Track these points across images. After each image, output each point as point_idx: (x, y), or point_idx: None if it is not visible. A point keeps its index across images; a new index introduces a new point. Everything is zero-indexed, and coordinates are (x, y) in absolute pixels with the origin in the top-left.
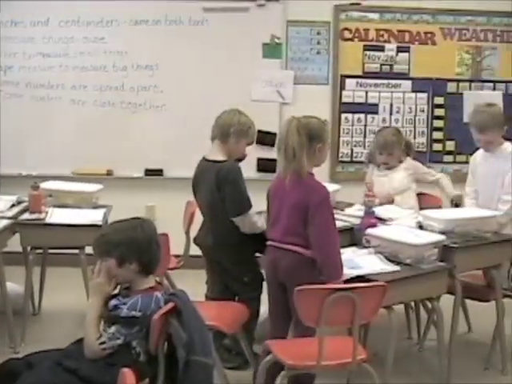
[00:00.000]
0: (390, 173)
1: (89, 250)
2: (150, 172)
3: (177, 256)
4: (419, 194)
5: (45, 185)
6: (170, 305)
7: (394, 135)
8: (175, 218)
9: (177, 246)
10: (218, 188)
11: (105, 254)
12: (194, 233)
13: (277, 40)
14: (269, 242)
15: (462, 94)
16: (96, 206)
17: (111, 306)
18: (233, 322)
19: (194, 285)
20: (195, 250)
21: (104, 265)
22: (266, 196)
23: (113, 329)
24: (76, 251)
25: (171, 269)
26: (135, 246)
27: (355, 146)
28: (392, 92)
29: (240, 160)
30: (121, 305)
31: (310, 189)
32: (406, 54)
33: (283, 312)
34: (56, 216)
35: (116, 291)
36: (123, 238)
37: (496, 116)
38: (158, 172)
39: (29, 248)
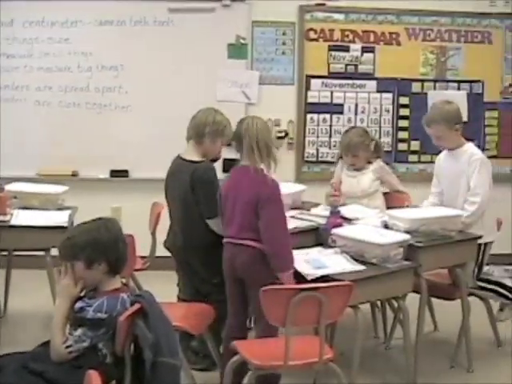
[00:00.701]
0: (359, 174)
1: (54, 251)
2: (115, 173)
3: (143, 257)
4: (385, 194)
5: (10, 186)
6: (136, 306)
7: (361, 136)
8: (141, 220)
9: (143, 247)
10: (192, 189)
11: (72, 257)
12: (159, 234)
13: (242, 40)
14: (225, 240)
15: (426, 93)
16: (61, 208)
17: (77, 308)
18: (199, 323)
19: (160, 286)
20: (161, 252)
21: (71, 267)
22: (219, 196)
23: (79, 331)
24: (42, 253)
25: (137, 270)
26: (101, 247)
27: (321, 146)
28: (357, 92)
29: (214, 161)
30: (86, 307)
31: (261, 183)
32: (371, 55)
33: (241, 307)
34: (21, 218)
35: (82, 293)
36: (89, 239)
37: (445, 111)
38: (123, 173)
39: None
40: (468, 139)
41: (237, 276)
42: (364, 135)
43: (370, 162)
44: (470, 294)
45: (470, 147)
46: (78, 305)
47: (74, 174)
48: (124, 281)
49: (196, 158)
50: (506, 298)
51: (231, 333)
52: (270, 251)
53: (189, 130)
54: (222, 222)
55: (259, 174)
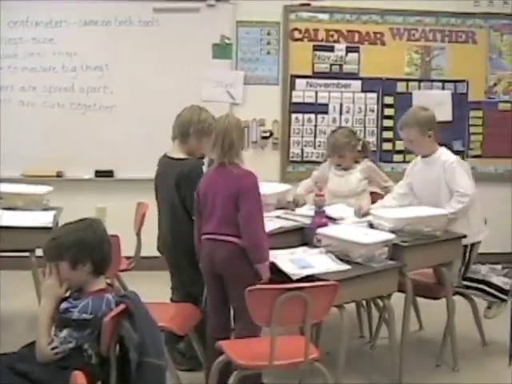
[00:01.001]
0: (347, 174)
1: (39, 252)
2: (100, 173)
3: (128, 257)
4: (372, 193)
5: None
6: (122, 306)
7: (347, 137)
8: (126, 220)
9: (128, 247)
10: (177, 187)
11: (57, 257)
12: (144, 234)
13: (227, 40)
14: (204, 236)
15: (411, 93)
16: (46, 208)
17: (62, 309)
18: (184, 323)
19: (145, 286)
20: (146, 252)
21: (55, 267)
22: (196, 194)
23: (64, 332)
24: (27, 254)
25: (122, 270)
26: (87, 247)
27: (305, 145)
28: (342, 92)
29: (202, 158)
30: (72, 308)
31: (241, 177)
32: (356, 54)
33: (222, 305)
34: (6, 218)
35: (67, 294)
36: (74, 239)
37: (419, 116)
38: (108, 173)
39: None
40: (441, 144)
41: (216, 272)
42: (350, 135)
43: (357, 162)
44: (455, 293)
45: (443, 153)
46: (63, 306)
47: (59, 175)
48: (109, 281)
49: (182, 156)
50: (493, 296)
51: (214, 332)
52: (250, 243)
53: (174, 128)
54: (200, 220)
55: (237, 168)
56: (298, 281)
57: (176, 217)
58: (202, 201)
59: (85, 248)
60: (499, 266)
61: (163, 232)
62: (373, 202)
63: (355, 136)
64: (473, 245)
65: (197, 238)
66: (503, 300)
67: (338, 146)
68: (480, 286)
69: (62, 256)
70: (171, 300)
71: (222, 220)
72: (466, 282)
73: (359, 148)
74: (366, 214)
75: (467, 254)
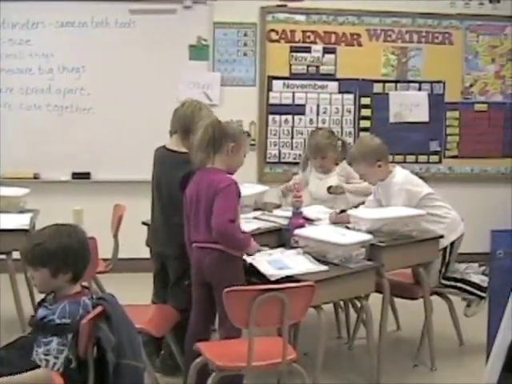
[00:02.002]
0: (325, 177)
1: (16, 255)
2: (77, 175)
3: (105, 260)
4: None
5: None
6: (99, 309)
7: (328, 138)
8: (103, 222)
9: (105, 249)
10: (184, 181)
11: (39, 264)
12: (122, 236)
13: (203, 42)
14: (194, 244)
15: (388, 94)
16: (23, 211)
17: (40, 316)
18: (162, 325)
19: (122, 288)
20: (124, 254)
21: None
22: (184, 198)
23: (53, 344)
24: (3, 256)
25: (100, 272)
26: (72, 257)
27: (283, 146)
28: (319, 93)
29: None
30: (51, 315)
31: (218, 181)
32: (333, 55)
33: (208, 312)
34: None
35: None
36: (59, 247)
37: (363, 150)
38: (85, 175)
39: None
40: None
41: (204, 280)
42: (331, 136)
43: (336, 164)
44: (433, 293)
45: (395, 175)
46: (41, 313)
47: (36, 177)
48: (86, 284)
49: (183, 149)
50: (471, 293)
51: (194, 335)
52: (218, 233)
53: (174, 123)
54: (189, 225)
55: (220, 174)
56: (276, 282)
57: (172, 209)
58: (188, 208)
59: (69, 257)
60: (476, 264)
61: (156, 224)
62: None
63: (335, 136)
64: (452, 244)
65: (188, 242)
66: (482, 297)
67: (320, 148)
68: (458, 284)
69: (46, 263)
70: (152, 302)
71: (209, 230)
72: (444, 281)
73: (339, 148)
74: (341, 221)
75: (447, 255)
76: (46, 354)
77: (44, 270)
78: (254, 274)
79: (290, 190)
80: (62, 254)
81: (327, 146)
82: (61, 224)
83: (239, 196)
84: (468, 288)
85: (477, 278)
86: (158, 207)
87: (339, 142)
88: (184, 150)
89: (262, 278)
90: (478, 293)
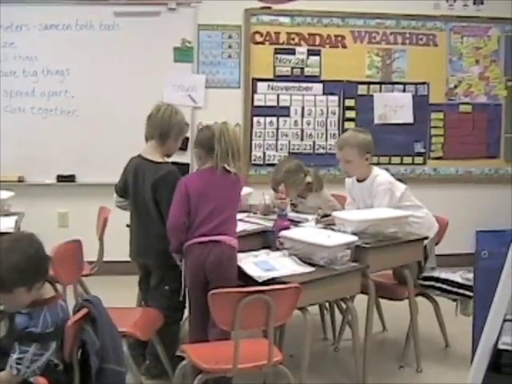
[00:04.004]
0: (304, 202)
1: None
2: (62, 178)
3: (90, 262)
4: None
5: None
6: (84, 311)
7: (289, 171)
8: (88, 224)
9: (90, 252)
10: (154, 189)
11: (13, 286)
12: (107, 238)
13: (188, 44)
14: (196, 240)
15: (372, 96)
16: (8, 214)
17: (21, 326)
18: (147, 328)
19: (107, 291)
20: (109, 256)
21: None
22: (185, 197)
23: (31, 351)
24: None
25: (85, 275)
26: (42, 262)
27: (267, 149)
28: (303, 95)
29: (168, 157)
30: (32, 327)
31: (239, 180)
32: (317, 57)
33: (202, 313)
34: None
35: None
36: (28, 258)
37: (360, 138)
38: (70, 178)
39: None
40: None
41: (204, 279)
42: (292, 171)
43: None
44: (418, 294)
45: (377, 175)
46: (21, 322)
47: (21, 180)
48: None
49: (159, 159)
50: (456, 293)
51: (194, 337)
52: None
53: (149, 129)
54: (191, 223)
55: (233, 175)
56: (263, 283)
57: (149, 218)
58: (195, 204)
59: (41, 265)
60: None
61: (135, 236)
62: None
63: (300, 171)
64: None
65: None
66: (470, 297)
67: (278, 181)
68: (441, 285)
69: (20, 282)
70: (146, 305)
71: (218, 224)
72: (421, 281)
73: (310, 180)
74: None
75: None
76: (18, 363)
77: (19, 289)
78: (239, 276)
79: (269, 210)
80: (35, 266)
81: (287, 179)
82: (9, 237)
83: None
84: (453, 289)
85: (459, 277)
86: (136, 218)
87: (308, 175)
88: (160, 159)
89: (248, 280)
90: (467, 292)
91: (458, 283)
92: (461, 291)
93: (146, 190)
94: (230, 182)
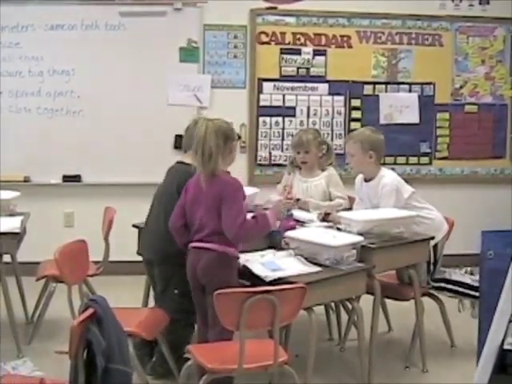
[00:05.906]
0: (311, 181)
1: (7, 258)
2: (67, 178)
3: (96, 262)
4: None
5: None
6: (90, 311)
7: (312, 134)
8: (94, 225)
9: (96, 252)
10: (178, 192)
11: None
12: (112, 238)
13: (194, 44)
14: (192, 245)
15: (378, 96)
16: (13, 214)
17: None
18: (153, 328)
19: (113, 291)
20: (114, 256)
21: None
22: (185, 204)
23: None
24: None
25: (91, 275)
26: None
27: (273, 149)
28: (309, 95)
29: None
30: None
31: (225, 183)
32: (323, 57)
33: (205, 315)
34: None
35: None
36: None
37: (366, 135)
38: (75, 178)
39: None
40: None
41: (199, 283)
42: (315, 133)
43: (323, 170)
44: (424, 295)
45: (383, 176)
46: None
47: (26, 180)
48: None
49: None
50: (467, 295)
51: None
52: (229, 230)
53: (187, 141)
54: (189, 229)
55: (224, 175)
56: (268, 283)
57: (165, 217)
58: (190, 211)
59: None
60: (464, 269)
61: (146, 231)
62: None
63: (320, 135)
64: (435, 245)
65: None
66: (477, 297)
67: (303, 142)
68: (449, 286)
69: None
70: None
71: (212, 231)
72: (432, 283)
73: (324, 151)
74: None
75: (431, 255)
76: None
77: None
78: (245, 276)
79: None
80: None
81: (310, 141)
82: None
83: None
84: (462, 290)
85: (468, 279)
86: (154, 214)
87: (324, 145)
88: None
89: (254, 280)
90: (475, 293)
91: (468, 284)
92: (472, 293)
93: (168, 192)
94: (217, 190)
